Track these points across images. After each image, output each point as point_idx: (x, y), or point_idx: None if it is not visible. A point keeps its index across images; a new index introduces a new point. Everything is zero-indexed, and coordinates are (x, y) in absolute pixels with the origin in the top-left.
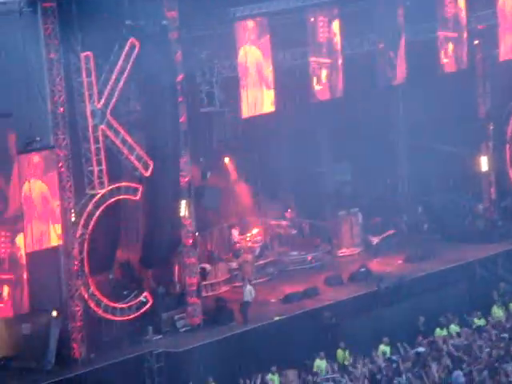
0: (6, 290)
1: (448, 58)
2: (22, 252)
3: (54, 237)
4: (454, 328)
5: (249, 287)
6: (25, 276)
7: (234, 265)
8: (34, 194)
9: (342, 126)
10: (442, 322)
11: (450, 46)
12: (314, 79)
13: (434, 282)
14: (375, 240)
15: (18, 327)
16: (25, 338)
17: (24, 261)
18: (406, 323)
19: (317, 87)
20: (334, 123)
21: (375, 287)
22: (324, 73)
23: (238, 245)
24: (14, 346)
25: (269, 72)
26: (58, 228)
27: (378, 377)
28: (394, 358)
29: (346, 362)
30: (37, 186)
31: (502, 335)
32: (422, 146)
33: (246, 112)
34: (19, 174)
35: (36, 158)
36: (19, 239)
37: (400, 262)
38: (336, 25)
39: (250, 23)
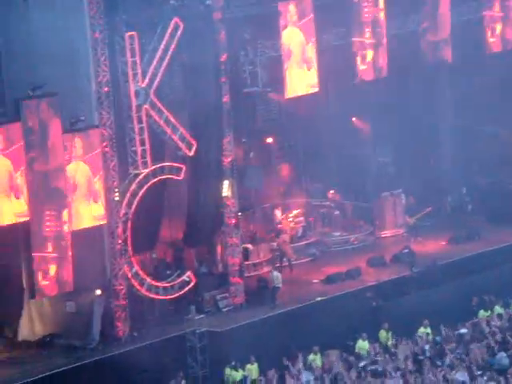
0: (52, 268)
1: (494, 37)
2: (67, 231)
3: (98, 216)
4: (497, 310)
5: (275, 273)
6: (69, 255)
7: (275, 245)
8: (78, 173)
9: (385, 107)
10: (486, 304)
11: (498, 26)
12: (358, 59)
13: (478, 263)
14: (411, 220)
15: (62, 305)
16: (69, 316)
17: (69, 240)
18: (450, 305)
19: (361, 67)
20: (378, 104)
21: (408, 271)
22: (369, 53)
23: (280, 225)
24: (59, 324)
25: (312, 53)
26: (102, 207)
27: (421, 358)
28: (437, 339)
29: (389, 343)
30: (80, 165)
31: None
32: (467, 127)
33: (289, 92)
34: (63, 153)
35: (80, 137)
36: (64, 219)
37: (444, 243)
38: (381, 3)
39: (293, 4)
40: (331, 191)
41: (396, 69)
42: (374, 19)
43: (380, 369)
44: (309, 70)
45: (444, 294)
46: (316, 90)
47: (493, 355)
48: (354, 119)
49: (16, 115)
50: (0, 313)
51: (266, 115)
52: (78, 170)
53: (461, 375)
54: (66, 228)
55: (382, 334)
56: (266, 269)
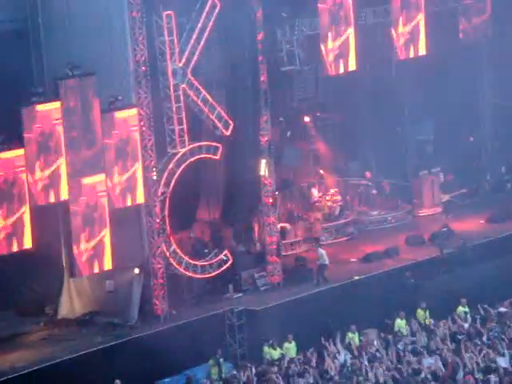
0: (91, 247)
1: None
2: (107, 210)
3: (137, 195)
4: None
5: (320, 250)
6: (109, 234)
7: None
8: (118, 153)
9: (424, 85)
10: None
11: None
12: (396, 37)
13: None
14: (445, 198)
15: (101, 284)
16: (108, 295)
17: (108, 218)
18: (489, 284)
19: (399, 45)
20: (417, 82)
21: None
22: (406, 31)
23: (317, 204)
24: (98, 302)
25: (351, 31)
26: (141, 186)
27: (460, 337)
28: (475, 317)
29: (427, 322)
30: (120, 145)
31: None
32: (507, 105)
33: (328, 71)
34: (102, 132)
35: (121, 116)
36: (103, 197)
37: (482, 221)
38: None
39: None
40: (368, 170)
41: (435, 47)
42: None
43: (418, 348)
44: (350, 45)
45: (482, 273)
46: (354, 68)
47: None
48: None
49: (55, 95)
50: (40, 291)
51: (303, 94)
52: (118, 148)
53: (502, 360)
54: (106, 206)
55: (420, 313)
56: (303, 247)
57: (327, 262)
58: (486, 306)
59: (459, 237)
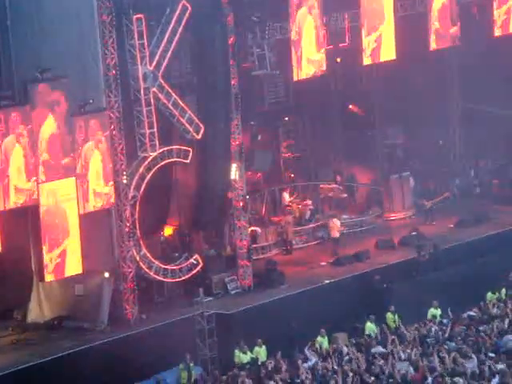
0: (60, 251)
1: (500, 20)
2: (77, 213)
3: (107, 198)
4: (504, 292)
5: (331, 224)
6: (78, 237)
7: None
8: (88, 156)
9: (394, 89)
10: (494, 287)
11: (503, 8)
12: (364, 41)
13: (486, 246)
14: (428, 204)
15: (71, 288)
16: (78, 299)
17: (78, 222)
18: (458, 288)
19: (369, 49)
20: (387, 86)
21: (415, 255)
22: (375, 36)
23: (288, 208)
24: (68, 307)
25: (321, 35)
26: (111, 190)
27: (429, 340)
28: (444, 321)
29: (395, 325)
30: (90, 148)
31: None
32: (476, 109)
33: (298, 75)
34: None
35: (91, 120)
36: (72, 201)
37: (451, 226)
38: None
39: None
40: (339, 174)
41: (404, 51)
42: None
43: (388, 352)
44: (319, 51)
45: (451, 277)
46: (324, 71)
47: (500, 338)
48: (350, 106)
49: (24, 98)
50: (9, 295)
51: (274, 98)
52: (94, 149)
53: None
54: (75, 210)
55: (389, 316)
56: (274, 251)
57: (337, 235)
58: (454, 309)
59: (430, 240)
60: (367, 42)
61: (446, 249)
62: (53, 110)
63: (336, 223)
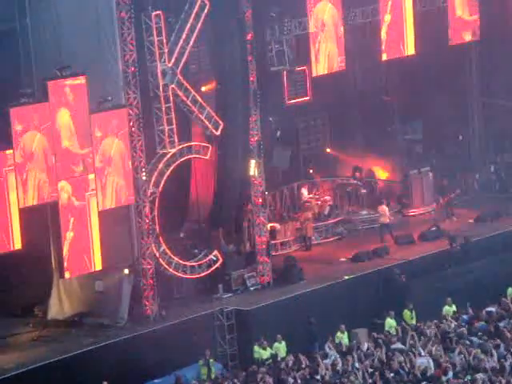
0: (80, 247)
1: None
2: (97, 210)
3: (127, 195)
4: None
5: (381, 208)
6: (98, 234)
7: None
8: (108, 153)
9: (413, 84)
10: None
11: None
12: (383, 37)
13: (505, 241)
14: (443, 202)
15: (91, 284)
16: (98, 295)
17: (98, 219)
18: (478, 283)
19: (387, 45)
20: (406, 81)
21: (448, 246)
22: (393, 31)
23: (307, 204)
24: (88, 303)
25: (340, 30)
26: (129, 188)
27: (450, 336)
28: (465, 317)
29: (413, 322)
30: (116, 141)
31: None
32: (496, 104)
33: (317, 70)
34: (93, 133)
35: (110, 117)
36: (92, 197)
37: (471, 221)
38: None
39: None
40: (358, 170)
41: (424, 46)
42: None
43: (407, 348)
44: (339, 45)
45: (472, 273)
46: (343, 66)
47: None
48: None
49: (44, 96)
50: (30, 292)
51: (293, 94)
52: (114, 146)
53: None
54: (95, 206)
55: (407, 313)
56: (293, 247)
57: (388, 220)
58: (474, 305)
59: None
60: (386, 38)
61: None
62: (72, 106)
63: (385, 209)
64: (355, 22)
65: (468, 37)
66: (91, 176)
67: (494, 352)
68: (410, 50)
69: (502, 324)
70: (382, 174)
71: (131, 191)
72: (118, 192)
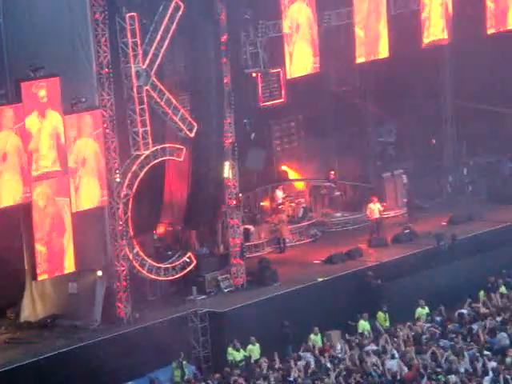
0: (53, 249)
1: (494, 19)
2: (70, 211)
3: (97, 198)
4: (499, 290)
5: (369, 208)
6: (71, 236)
7: (271, 225)
8: (81, 155)
9: (387, 87)
10: (487, 285)
11: (496, 7)
12: (357, 40)
13: (479, 243)
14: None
15: (64, 286)
16: (71, 297)
17: (71, 220)
18: (451, 285)
19: (362, 47)
20: (379, 84)
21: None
22: (367, 33)
23: (281, 206)
24: (61, 305)
25: (315, 32)
26: (102, 189)
27: (423, 338)
28: (438, 319)
29: (387, 324)
30: (90, 142)
31: None
32: (468, 107)
33: (292, 72)
34: (65, 133)
35: (83, 119)
36: (65, 200)
37: (444, 223)
38: None
39: None
40: (332, 172)
41: (397, 48)
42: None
43: (381, 350)
44: (313, 47)
45: (445, 275)
46: (317, 70)
47: (494, 335)
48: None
49: (17, 96)
50: (2, 294)
51: (268, 96)
52: (88, 147)
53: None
54: (68, 209)
55: (381, 316)
56: (267, 249)
57: (376, 215)
58: (446, 307)
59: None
60: (360, 40)
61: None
62: (45, 107)
63: (373, 207)
64: (330, 24)
65: (441, 38)
66: (64, 178)
67: (465, 354)
68: (383, 52)
69: (475, 326)
70: (355, 176)
71: (105, 193)
72: (92, 193)
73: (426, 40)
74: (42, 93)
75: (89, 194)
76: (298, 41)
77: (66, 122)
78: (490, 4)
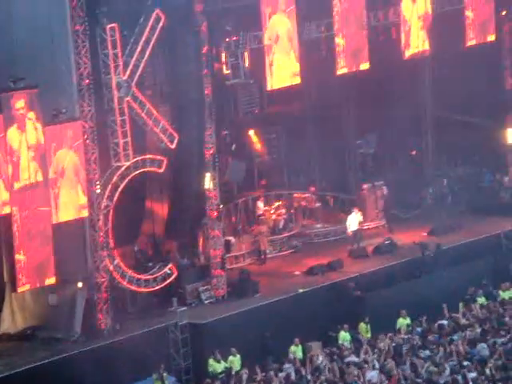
0: (33, 261)
1: (474, 30)
2: (50, 223)
3: (82, 207)
4: (479, 300)
5: (349, 219)
6: (51, 247)
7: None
8: (60, 166)
9: (367, 99)
10: (467, 295)
11: (476, 18)
12: (339, 51)
13: (459, 254)
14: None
15: (44, 298)
16: (51, 309)
17: (51, 232)
18: (432, 296)
19: (341, 60)
20: (360, 95)
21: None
22: (347, 45)
23: (262, 217)
24: (41, 317)
25: (295, 43)
26: (85, 199)
27: (403, 349)
28: (418, 329)
29: (368, 335)
30: (70, 153)
31: None
32: (448, 118)
33: (272, 84)
34: (45, 146)
35: (64, 130)
36: (45, 211)
37: (424, 234)
38: None
39: None
40: (312, 183)
41: (376, 60)
42: (353, 11)
43: (361, 361)
44: (294, 61)
45: (425, 286)
46: (298, 81)
47: (473, 346)
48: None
49: None
50: None
51: (248, 107)
52: (68, 158)
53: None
54: (48, 220)
55: (362, 327)
56: (248, 260)
57: (351, 228)
58: (427, 318)
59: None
60: (341, 51)
61: (418, 257)
62: (26, 119)
63: (351, 219)
64: (310, 36)
65: (421, 49)
66: (44, 189)
67: (446, 366)
68: (364, 64)
69: (455, 337)
70: (336, 187)
71: (85, 204)
72: (71, 205)
73: (407, 53)
74: (22, 104)
75: (68, 206)
76: (278, 52)
77: (46, 134)
78: (469, 15)
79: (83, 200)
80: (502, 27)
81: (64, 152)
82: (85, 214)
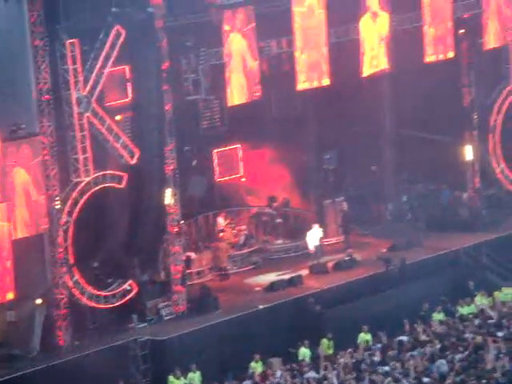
0: None
1: (433, 47)
2: (8, 239)
3: (37, 225)
4: (436, 316)
5: (309, 235)
6: (10, 263)
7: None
8: (18, 182)
9: (328, 115)
10: (422, 312)
11: (435, 35)
12: (299, 67)
13: (418, 270)
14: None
15: (2, 314)
16: (9, 325)
17: (10, 248)
18: (390, 312)
19: (302, 76)
20: (321, 111)
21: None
22: (308, 61)
23: (222, 233)
24: None
25: (253, 60)
26: (41, 216)
27: (363, 365)
28: (378, 345)
29: (330, 352)
30: (21, 174)
31: (485, 323)
32: (409, 135)
33: (232, 100)
34: (4, 162)
35: (22, 146)
36: (4, 227)
37: (384, 250)
38: (321, 15)
39: (237, 11)
40: (273, 199)
41: (338, 77)
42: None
43: (320, 377)
44: (249, 77)
45: (385, 302)
46: (257, 96)
47: (432, 362)
48: None
49: None
50: None
51: (209, 123)
52: (18, 176)
53: None
54: (7, 236)
55: (324, 343)
56: (208, 276)
57: (312, 244)
58: (387, 334)
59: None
60: (302, 67)
61: (378, 273)
62: None
63: (314, 233)
64: (271, 53)
65: (382, 68)
66: (2, 205)
67: (404, 382)
68: (324, 80)
69: (415, 353)
70: (296, 203)
71: (44, 220)
72: (31, 221)
73: (366, 71)
74: None
75: (22, 223)
76: (233, 71)
77: (3, 150)
78: (428, 31)
79: (42, 216)
80: (461, 44)
81: (17, 170)
82: (44, 230)
